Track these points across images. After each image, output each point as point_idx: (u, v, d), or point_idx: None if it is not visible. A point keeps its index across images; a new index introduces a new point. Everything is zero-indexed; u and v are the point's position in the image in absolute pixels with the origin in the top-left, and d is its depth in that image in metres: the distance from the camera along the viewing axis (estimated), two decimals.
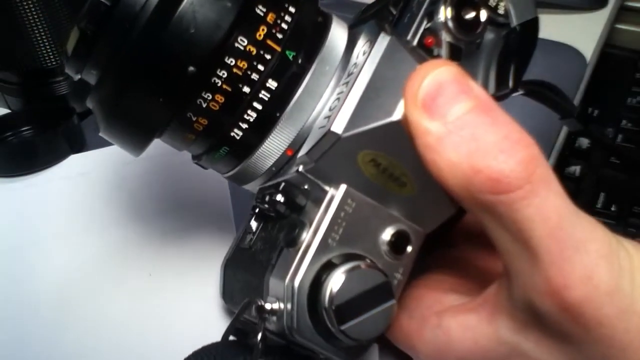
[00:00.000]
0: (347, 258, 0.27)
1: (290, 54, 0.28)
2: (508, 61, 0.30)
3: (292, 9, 0.28)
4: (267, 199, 0.29)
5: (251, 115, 0.28)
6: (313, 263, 0.27)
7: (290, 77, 0.28)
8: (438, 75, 0.25)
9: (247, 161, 0.30)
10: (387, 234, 0.28)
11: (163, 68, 0.26)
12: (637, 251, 0.26)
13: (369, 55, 0.28)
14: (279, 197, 0.28)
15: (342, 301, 0.26)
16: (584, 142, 0.56)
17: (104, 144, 0.45)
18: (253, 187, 0.32)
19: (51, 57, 0.50)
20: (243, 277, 0.32)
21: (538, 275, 0.24)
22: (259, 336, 0.27)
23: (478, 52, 0.29)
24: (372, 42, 0.29)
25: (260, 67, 0.28)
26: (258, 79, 0.28)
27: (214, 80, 0.27)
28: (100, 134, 0.29)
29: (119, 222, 0.42)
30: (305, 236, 0.27)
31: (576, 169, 0.54)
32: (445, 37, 0.29)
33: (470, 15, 0.29)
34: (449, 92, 0.25)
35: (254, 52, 0.27)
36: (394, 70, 0.27)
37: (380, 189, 0.28)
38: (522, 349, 0.27)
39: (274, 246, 0.29)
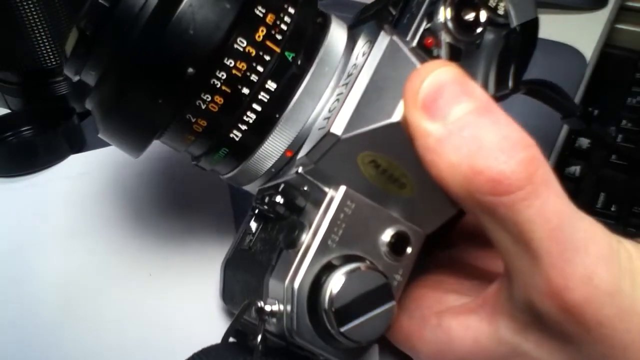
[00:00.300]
0: (346, 259, 0.27)
1: (289, 55, 0.28)
2: (508, 62, 0.30)
3: (291, 10, 0.28)
4: (266, 200, 0.29)
5: (250, 117, 0.28)
6: (313, 264, 0.27)
7: (290, 78, 0.28)
8: (438, 76, 0.25)
9: (246, 162, 0.30)
10: (386, 235, 0.28)
11: (162, 69, 0.26)
12: (637, 251, 0.26)
13: (369, 56, 0.28)
14: (279, 199, 0.28)
15: (342, 303, 0.26)
16: (584, 142, 0.56)
17: (104, 144, 0.45)
18: (253, 188, 0.31)
19: (51, 57, 0.50)
20: (243, 278, 0.32)
21: (538, 276, 0.24)
22: (259, 338, 0.27)
23: (478, 52, 0.29)
24: (371, 42, 0.29)
25: (260, 68, 0.28)
26: (257, 80, 0.28)
27: (213, 82, 0.27)
28: (100, 136, 0.29)
29: (119, 222, 0.42)
30: (305, 237, 0.27)
31: (576, 169, 0.53)
32: (445, 37, 0.29)
33: (470, 15, 0.29)
34: (449, 93, 0.25)
35: (253, 53, 0.27)
36: (393, 71, 0.27)
37: (380, 190, 0.28)
38: (522, 349, 0.27)
39: (273, 247, 0.29)
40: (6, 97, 0.53)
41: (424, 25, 0.28)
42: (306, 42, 0.29)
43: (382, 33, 0.28)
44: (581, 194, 0.52)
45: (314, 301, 0.27)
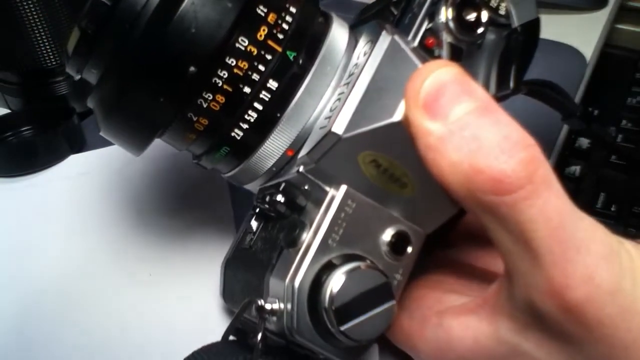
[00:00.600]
0: (347, 259, 0.27)
1: (291, 54, 0.28)
2: (509, 62, 0.30)
3: (293, 9, 0.28)
4: (267, 199, 0.29)
5: (252, 116, 0.28)
6: (313, 263, 0.27)
7: (291, 77, 0.28)
8: (439, 76, 0.25)
9: (247, 161, 0.30)
10: (387, 235, 0.28)
11: (164, 68, 0.26)
12: (638, 251, 0.26)
13: (370, 55, 0.28)
14: (280, 198, 0.28)
15: (342, 302, 0.26)
16: (584, 142, 0.56)
17: (104, 144, 0.45)
18: (253, 187, 0.32)
19: (51, 57, 0.50)
20: (243, 277, 0.32)
21: (539, 276, 0.24)
22: (259, 336, 0.27)
23: (479, 52, 0.29)
24: (373, 42, 0.29)
25: (261, 68, 0.28)
26: (259, 79, 0.28)
27: (215, 81, 0.27)
28: (101, 134, 0.29)
29: (119, 222, 0.42)
30: (306, 236, 0.27)
31: (576, 169, 0.53)
32: (446, 37, 0.29)
33: (472, 16, 0.29)
34: (450, 92, 0.25)
35: (255, 52, 0.27)
36: (395, 71, 0.27)
37: (381, 189, 0.28)
38: (522, 349, 0.27)
39: (274, 246, 0.29)
40: (6, 97, 0.53)
41: (425, 25, 0.28)
42: (308, 41, 0.29)
43: (384, 33, 0.28)
44: (581, 194, 0.52)
45: (314, 300, 0.27)
